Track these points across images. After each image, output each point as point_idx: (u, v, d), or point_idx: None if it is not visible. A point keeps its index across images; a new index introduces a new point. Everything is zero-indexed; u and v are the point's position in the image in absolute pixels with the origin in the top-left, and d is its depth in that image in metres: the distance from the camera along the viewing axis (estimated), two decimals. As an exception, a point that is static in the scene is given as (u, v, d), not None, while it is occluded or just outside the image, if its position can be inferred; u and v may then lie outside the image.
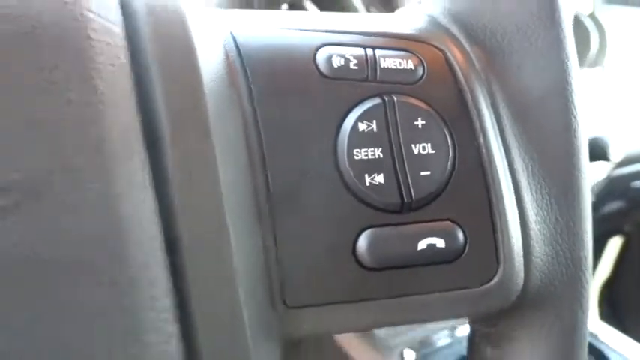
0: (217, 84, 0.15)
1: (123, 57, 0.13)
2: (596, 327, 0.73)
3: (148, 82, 0.13)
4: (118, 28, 0.13)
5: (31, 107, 0.12)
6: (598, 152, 0.63)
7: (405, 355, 0.56)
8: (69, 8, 0.12)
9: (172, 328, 0.13)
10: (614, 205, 0.89)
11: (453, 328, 0.61)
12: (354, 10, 0.41)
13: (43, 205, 0.12)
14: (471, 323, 0.22)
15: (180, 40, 0.14)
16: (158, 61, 0.13)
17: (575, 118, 0.18)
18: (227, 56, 0.16)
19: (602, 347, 0.66)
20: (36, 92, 0.12)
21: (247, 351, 0.14)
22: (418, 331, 0.59)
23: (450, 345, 0.60)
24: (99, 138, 0.12)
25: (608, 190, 0.78)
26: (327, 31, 0.18)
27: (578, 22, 0.62)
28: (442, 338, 0.60)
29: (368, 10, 0.41)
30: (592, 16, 0.63)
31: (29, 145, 0.12)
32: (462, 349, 0.60)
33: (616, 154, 0.61)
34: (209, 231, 0.14)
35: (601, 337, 0.69)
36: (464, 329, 0.62)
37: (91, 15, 0.13)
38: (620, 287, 1.16)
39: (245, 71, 0.16)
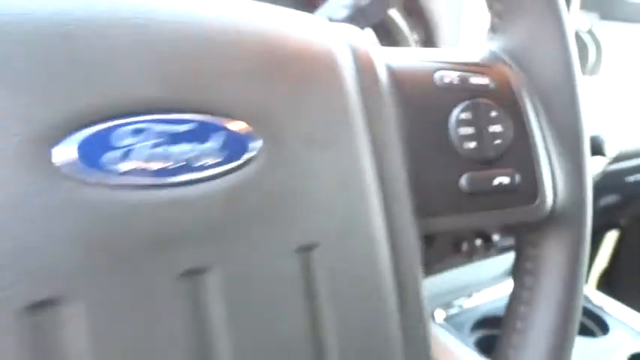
0: (384, 91, 0.26)
1: (352, 81, 0.25)
2: (599, 299, 0.82)
3: (363, 86, 0.25)
4: (351, 71, 0.25)
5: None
6: (595, 148, 0.67)
7: (435, 315, 0.65)
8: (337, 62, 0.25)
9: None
10: (609, 199, 0.96)
11: (469, 296, 0.71)
12: (401, 33, 0.51)
13: None
14: (517, 235, 0.34)
15: (372, 69, 0.26)
16: (370, 83, 0.26)
17: (579, 109, 0.30)
18: (387, 76, 0.27)
19: (602, 314, 0.76)
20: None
21: (414, 233, 0.26)
22: (444, 298, 0.69)
23: (469, 309, 0.69)
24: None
25: (604, 184, 0.81)
26: (437, 62, 0.29)
27: (578, 38, 0.70)
28: (462, 303, 0.70)
29: (412, 33, 0.52)
30: (590, 32, 0.72)
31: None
32: (479, 312, 0.69)
33: (611, 150, 0.66)
34: (393, 171, 0.25)
35: (605, 308, 0.78)
36: (481, 296, 0.72)
37: (341, 62, 0.25)
38: (616, 278, 1.21)
39: (396, 85, 0.27)
